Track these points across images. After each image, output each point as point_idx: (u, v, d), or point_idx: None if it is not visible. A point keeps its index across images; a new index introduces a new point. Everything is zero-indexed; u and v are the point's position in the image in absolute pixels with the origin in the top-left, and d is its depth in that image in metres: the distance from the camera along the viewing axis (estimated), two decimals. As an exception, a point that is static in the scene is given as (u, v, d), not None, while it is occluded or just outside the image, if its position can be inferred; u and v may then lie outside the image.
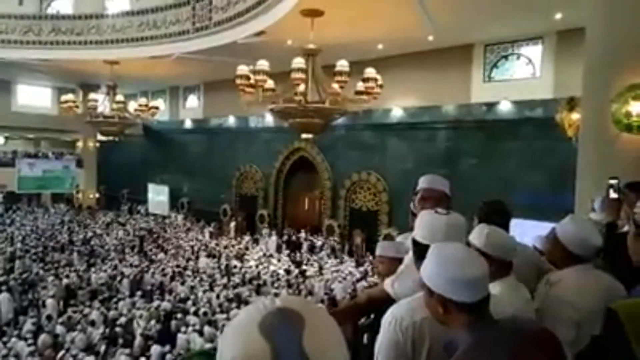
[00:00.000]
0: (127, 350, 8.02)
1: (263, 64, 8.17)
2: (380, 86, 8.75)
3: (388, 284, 2.51)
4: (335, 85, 8.38)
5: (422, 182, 2.70)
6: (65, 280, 11.55)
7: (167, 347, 8.07)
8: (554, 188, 9.80)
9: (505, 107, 12.08)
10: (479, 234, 1.95)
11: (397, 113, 14.29)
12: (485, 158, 12.35)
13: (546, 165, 10.93)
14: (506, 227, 2.40)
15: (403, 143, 14.30)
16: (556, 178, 10.07)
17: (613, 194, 2.58)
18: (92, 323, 9.08)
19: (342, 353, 0.66)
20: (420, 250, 1.65)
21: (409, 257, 2.59)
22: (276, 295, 10.70)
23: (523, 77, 12.50)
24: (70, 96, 14.70)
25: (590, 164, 4.64)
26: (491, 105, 12.32)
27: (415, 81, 13.99)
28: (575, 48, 10.89)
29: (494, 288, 1.84)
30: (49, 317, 9.52)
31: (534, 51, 12.33)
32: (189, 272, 12.92)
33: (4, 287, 10.77)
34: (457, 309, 1.32)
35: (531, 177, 11.16)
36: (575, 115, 5.88)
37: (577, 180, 4.83)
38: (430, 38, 12.16)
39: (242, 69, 8.32)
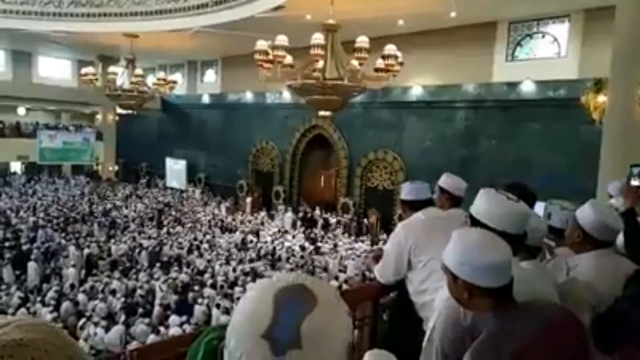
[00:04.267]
0: (147, 320, 8.26)
1: (282, 40, 8.07)
2: (401, 64, 8.59)
3: (376, 273, 2.62)
4: (355, 62, 8.27)
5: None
6: (86, 251, 11.85)
7: (185, 318, 8.27)
8: (575, 171, 9.65)
9: (527, 87, 11.83)
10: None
11: (416, 91, 14.10)
12: (505, 139, 12.17)
13: (567, 148, 10.74)
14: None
15: (421, 122, 14.15)
16: (578, 161, 9.92)
17: (634, 182, 2.56)
18: (113, 292, 9.34)
19: (338, 350, 0.66)
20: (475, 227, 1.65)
21: (388, 245, 2.65)
22: (292, 270, 10.87)
23: (547, 56, 12.19)
24: (90, 69, 14.80)
25: (615, 147, 4.55)
26: (513, 85, 12.08)
27: (435, 59, 13.75)
28: (603, 27, 10.55)
29: (526, 266, 1.84)
30: (71, 286, 9.82)
31: (559, 30, 11.99)
32: (205, 246, 13.15)
33: (32, 256, 11.12)
34: (482, 294, 1.34)
35: (552, 159, 10.99)
36: (601, 98, 5.73)
37: (601, 164, 4.74)
38: (453, 14, 11.89)
39: (261, 44, 8.23)
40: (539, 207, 2.57)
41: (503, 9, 11.90)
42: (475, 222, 1.76)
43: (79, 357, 0.59)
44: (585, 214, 2.20)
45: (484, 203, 1.79)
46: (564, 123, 10.91)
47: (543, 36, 12.30)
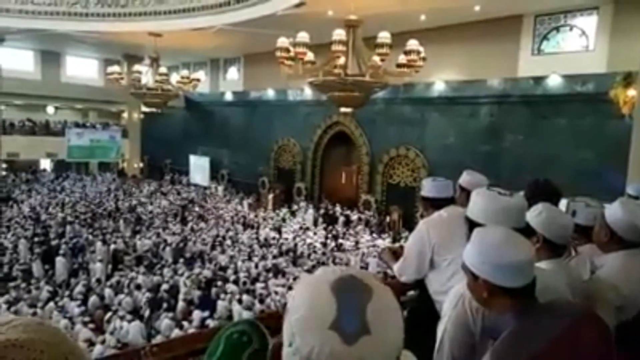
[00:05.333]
0: (171, 314, 8.40)
1: (303, 36, 8.05)
2: (423, 59, 8.49)
3: (396, 270, 2.57)
4: (376, 58, 8.20)
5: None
6: (112, 246, 12.10)
7: (207, 313, 8.38)
8: (603, 167, 9.40)
9: (554, 82, 11.56)
10: (537, 214, 1.90)
11: (439, 87, 13.93)
12: (531, 135, 11.93)
13: (596, 144, 10.47)
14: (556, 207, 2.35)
15: (444, 118, 13.98)
16: (606, 157, 9.66)
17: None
18: (138, 287, 9.52)
19: (399, 333, 0.69)
20: (473, 229, 1.62)
21: (410, 243, 2.61)
22: (313, 267, 10.92)
23: (575, 50, 11.87)
24: (115, 68, 15.05)
25: (646, 143, 4.41)
26: (539, 80, 11.82)
27: (459, 54, 13.54)
28: (633, 19, 10.24)
29: (545, 266, 1.80)
30: (98, 280, 10.05)
31: (588, 22, 11.64)
32: (228, 242, 13.27)
33: (60, 251, 11.41)
34: (503, 294, 1.31)
35: (579, 155, 10.74)
36: (631, 92, 5.55)
37: (630, 160, 4.60)
38: (477, 8, 11.69)
39: (282, 41, 8.23)
40: (561, 205, 2.51)
41: (529, 2, 11.64)
42: (472, 224, 1.73)
43: (75, 356, 0.59)
44: (613, 212, 2.13)
45: (477, 203, 1.77)
46: (592, 118, 10.63)
47: (570, 29, 11.98)
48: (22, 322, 0.58)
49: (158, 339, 7.26)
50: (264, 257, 11.83)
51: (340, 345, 0.64)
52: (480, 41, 13.00)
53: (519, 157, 11.79)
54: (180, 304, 8.90)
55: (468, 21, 12.92)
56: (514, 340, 1.25)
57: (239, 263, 11.21)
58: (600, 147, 10.29)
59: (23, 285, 9.69)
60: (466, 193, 2.72)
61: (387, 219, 15.21)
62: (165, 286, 9.66)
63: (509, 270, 1.29)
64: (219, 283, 9.74)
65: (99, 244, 12.13)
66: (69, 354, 0.57)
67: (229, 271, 10.73)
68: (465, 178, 2.84)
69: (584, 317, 1.32)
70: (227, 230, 14.73)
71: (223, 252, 12.32)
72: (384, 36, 7.93)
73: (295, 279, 10.00)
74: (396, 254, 2.81)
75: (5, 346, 0.53)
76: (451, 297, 1.67)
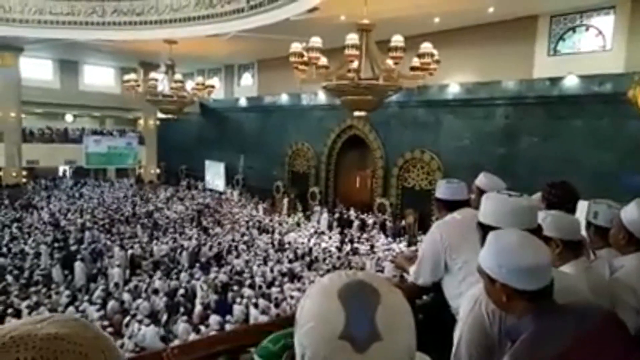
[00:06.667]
0: (186, 318, 8.46)
1: (317, 41, 8.08)
2: (437, 62, 8.44)
3: (412, 274, 2.56)
4: (390, 62, 8.18)
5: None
6: (130, 251, 12.24)
7: (227, 317, 8.41)
8: (622, 169, 9.25)
9: (570, 82, 11.42)
10: (541, 220, 1.89)
11: (453, 89, 13.85)
12: (548, 136, 11.79)
13: (614, 145, 10.31)
14: (574, 209, 2.34)
15: (459, 120, 13.90)
16: (625, 158, 9.50)
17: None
18: (156, 292, 9.62)
19: (411, 335, 0.68)
20: (486, 233, 1.62)
21: (424, 246, 2.61)
22: (328, 271, 10.92)
23: (592, 49, 11.72)
24: (132, 76, 15.23)
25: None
26: (555, 81, 11.68)
27: (473, 56, 13.47)
28: (652, 17, 10.09)
29: (568, 269, 1.79)
30: (116, 285, 10.18)
31: (604, 22, 11.50)
32: (243, 247, 13.34)
33: (79, 256, 11.60)
34: (520, 297, 1.30)
35: (597, 156, 10.57)
36: (649, 91, 5.47)
37: (650, 160, 4.52)
38: (491, 10, 11.62)
39: (296, 47, 8.27)
40: (582, 207, 2.49)
41: (544, 2, 11.54)
42: (485, 229, 1.72)
43: (110, 350, 0.62)
44: (629, 213, 2.11)
45: (489, 206, 1.77)
46: (610, 119, 10.47)
47: (587, 29, 11.84)
48: (61, 318, 0.62)
49: (175, 343, 7.33)
50: (279, 262, 11.86)
51: (352, 354, 0.63)
52: (494, 43, 12.92)
53: (535, 159, 11.66)
54: (197, 308, 8.97)
55: (482, 23, 12.85)
56: (533, 343, 1.24)
57: (255, 267, 11.26)
58: (618, 148, 10.14)
59: (43, 290, 9.86)
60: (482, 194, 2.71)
61: (403, 222, 15.14)
62: (182, 291, 9.75)
63: (526, 273, 1.28)
64: (235, 287, 9.79)
65: (117, 249, 12.28)
66: (105, 349, 0.61)
67: (245, 275, 10.78)
68: (482, 180, 2.83)
69: (604, 318, 1.31)
70: (243, 235, 14.81)
71: (238, 256, 12.38)
72: (398, 39, 7.90)
73: (310, 283, 10.01)
74: (411, 259, 2.81)
75: (47, 338, 0.56)
76: (468, 300, 1.67)
